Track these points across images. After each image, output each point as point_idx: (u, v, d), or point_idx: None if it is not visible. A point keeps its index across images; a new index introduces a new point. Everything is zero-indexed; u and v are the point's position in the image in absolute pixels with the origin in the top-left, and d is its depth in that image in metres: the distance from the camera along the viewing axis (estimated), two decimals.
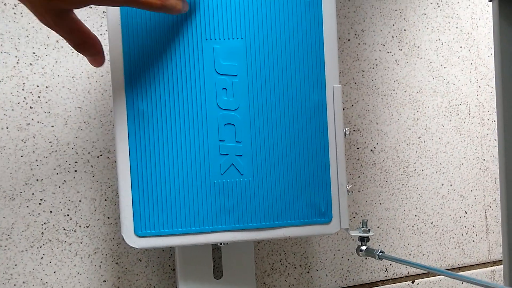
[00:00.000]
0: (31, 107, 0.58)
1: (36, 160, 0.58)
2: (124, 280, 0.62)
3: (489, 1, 0.47)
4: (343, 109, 0.71)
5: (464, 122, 0.77)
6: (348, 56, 0.71)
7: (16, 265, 0.58)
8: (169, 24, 0.48)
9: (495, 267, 0.80)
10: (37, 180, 0.58)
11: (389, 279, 0.74)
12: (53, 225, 0.59)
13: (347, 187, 0.52)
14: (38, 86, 0.58)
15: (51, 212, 0.59)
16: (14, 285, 0.58)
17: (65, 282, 0.59)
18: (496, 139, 0.79)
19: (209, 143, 0.49)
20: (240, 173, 0.50)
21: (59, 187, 0.59)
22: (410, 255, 0.75)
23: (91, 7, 0.60)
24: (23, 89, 0.58)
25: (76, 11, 0.41)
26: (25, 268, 0.58)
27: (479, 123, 0.78)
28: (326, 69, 0.51)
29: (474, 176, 0.78)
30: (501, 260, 0.81)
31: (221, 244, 0.53)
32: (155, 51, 0.48)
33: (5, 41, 0.57)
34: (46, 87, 0.58)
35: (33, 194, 0.58)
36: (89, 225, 0.60)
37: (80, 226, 0.60)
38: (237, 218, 0.50)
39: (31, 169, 0.58)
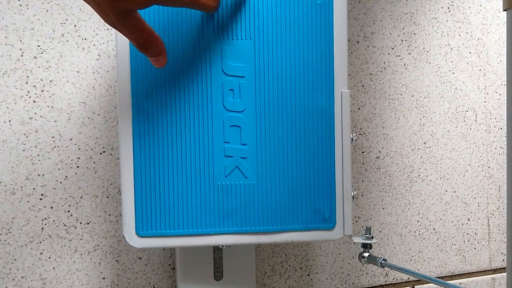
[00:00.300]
0: (34, 101, 0.57)
1: (38, 154, 0.57)
2: (124, 278, 0.61)
3: (503, 10, 0.46)
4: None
5: (471, 129, 0.77)
6: (357, 59, 0.70)
7: (15, 260, 0.57)
8: (177, 23, 0.47)
9: (496, 275, 0.80)
10: (39, 175, 0.58)
11: (389, 284, 0.74)
12: (54, 220, 0.58)
13: (352, 194, 0.51)
14: (42, 80, 0.57)
15: (51, 207, 0.58)
16: (13, 279, 0.57)
17: (64, 278, 0.59)
18: (502, 146, 0.79)
19: (214, 144, 0.49)
20: (245, 176, 0.49)
21: (61, 182, 0.58)
22: (411, 260, 0.75)
23: None
24: (26, 83, 0.57)
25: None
26: (24, 263, 0.58)
27: (485, 130, 0.78)
28: (335, 73, 0.50)
29: (478, 183, 0.78)
30: (502, 268, 0.80)
31: (222, 246, 0.53)
32: None
33: (9, 33, 0.56)
34: (50, 81, 0.58)
35: (34, 189, 0.57)
36: (90, 221, 0.60)
37: (80, 223, 0.59)
38: (240, 221, 0.49)
39: (33, 163, 0.57)
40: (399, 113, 0.73)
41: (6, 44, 0.56)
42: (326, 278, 0.70)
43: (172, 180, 0.48)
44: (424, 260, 0.75)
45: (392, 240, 0.73)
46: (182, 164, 0.48)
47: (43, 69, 0.57)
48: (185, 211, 0.49)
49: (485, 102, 0.77)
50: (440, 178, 0.75)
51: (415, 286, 0.75)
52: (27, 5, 0.56)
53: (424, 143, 0.74)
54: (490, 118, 0.78)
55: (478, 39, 0.76)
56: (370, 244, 0.56)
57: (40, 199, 0.58)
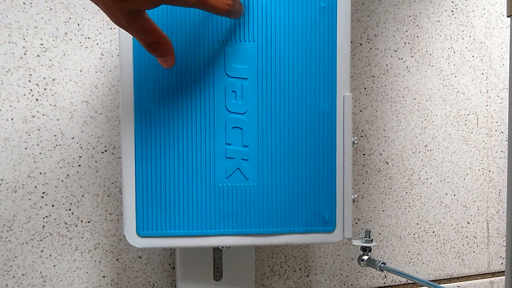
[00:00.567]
0: (37, 99, 0.57)
1: (40, 153, 0.58)
2: (124, 276, 0.62)
3: (507, 16, 0.46)
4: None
5: (472, 132, 0.77)
6: (359, 61, 0.70)
7: (16, 257, 0.57)
8: (181, 24, 0.47)
9: (494, 278, 0.80)
10: (40, 173, 0.58)
11: (388, 286, 0.74)
12: (55, 218, 0.59)
13: (353, 197, 0.51)
14: (44, 78, 0.57)
15: (53, 205, 0.58)
16: (13, 276, 0.57)
17: (64, 276, 0.59)
18: (503, 150, 0.79)
19: (215, 146, 0.49)
20: (246, 177, 0.50)
21: (62, 181, 0.59)
22: (410, 263, 0.75)
23: None
24: (29, 81, 0.57)
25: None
26: (24, 260, 0.58)
27: (486, 134, 0.78)
28: (337, 76, 0.50)
29: (479, 187, 0.78)
30: (500, 272, 0.81)
31: (222, 247, 0.53)
32: None
33: (13, 31, 0.56)
34: (53, 79, 0.58)
35: (35, 187, 0.58)
36: (91, 220, 0.60)
37: (81, 221, 0.60)
38: (240, 223, 0.50)
39: (35, 161, 0.57)
40: (400, 116, 0.73)
41: (9, 42, 0.56)
42: (325, 279, 0.71)
43: (173, 180, 0.49)
44: (423, 263, 0.75)
45: (392, 242, 0.74)
46: (183, 164, 0.49)
47: (46, 68, 0.57)
48: (186, 212, 0.49)
49: (487, 105, 0.77)
50: (441, 181, 0.75)
51: None
52: (30, 3, 0.56)
53: (425, 146, 0.74)
54: (492, 122, 0.78)
55: (481, 42, 0.76)
56: (370, 247, 0.56)
57: (42, 197, 0.58)
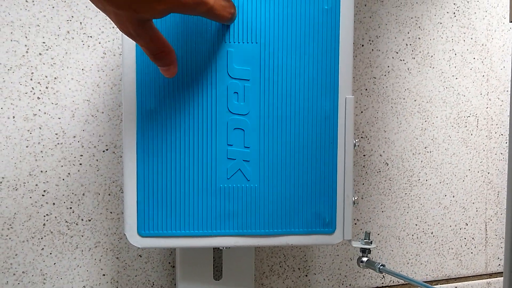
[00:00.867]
0: (38, 98, 0.57)
1: (41, 151, 0.58)
2: (124, 275, 0.62)
3: (510, 22, 0.46)
4: None
5: (472, 134, 0.77)
6: (361, 62, 0.70)
7: (16, 255, 0.58)
8: (184, 25, 0.48)
9: (491, 279, 0.80)
10: (42, 171, 0.58)
11: (386, 286, 0.75)
12: (55, 217, 0.59)
13: (353, 199, 0.52)
14: (46, 77, 0.57)
15: (53, 204, 0.59)
16: (14, 274, 0.58)
17: (64, 274, 0.60)
18: (502, 152, 0.79)
19: (217, 146, 0.49)
20: (247, 178, 0.50)
21: (63, 179, 0.59)
22: (408, 263, 0.75)
23: None
24: (31, 79, 0.57)
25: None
26: (25, 258, 0.58)
27: (486, 136, 0.78)
28: (340, 78, 0.50)
29: (477, 188, 0.78)
30: (498, 273, 0.81)
31: (223, 247, 0.53)
32: None
33: (15, 29, 0.56)
34: (55, 78, 0.58)
35: (36, 185, 0.58)
36: (91, 218, 0.60)
37: (82, 220, 0.60)
38: (241, 224, 0.50)
39: (36, 160, 0.57)
40: (401, 117, 0.73)
41: (11, 40, 0.56)
42: (324, 279, 0.71)
43: (175, 180, 0.49)
44: (421, 264, 0.76)
45: (390, 243, 0.74)
46: (185, 165, 0.49)
47: (48, 66, 0.57)
48: (187, 212, 0.49)
49: (487, 108, 0.78)
50: (440, 182, 0.76)
51: None
52: (33, 1, 0.56)
53: (425, 148, 0.75)
54: (491, 124, 0.78)
55: (483, 45, 0.76)
56: (369, 249, 0.56)
57: (43, 195, 0.58)
